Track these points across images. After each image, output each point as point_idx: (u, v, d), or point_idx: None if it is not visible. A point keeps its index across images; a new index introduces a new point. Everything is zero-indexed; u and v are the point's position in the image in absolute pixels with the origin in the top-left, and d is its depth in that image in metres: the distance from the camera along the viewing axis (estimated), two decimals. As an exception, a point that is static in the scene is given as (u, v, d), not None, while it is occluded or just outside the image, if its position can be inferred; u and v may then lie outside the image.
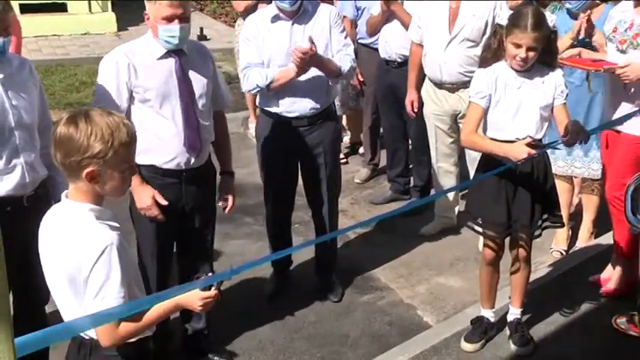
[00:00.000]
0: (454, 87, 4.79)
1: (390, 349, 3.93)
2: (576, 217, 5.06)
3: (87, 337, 2.25)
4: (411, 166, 5.84)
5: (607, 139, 4.20)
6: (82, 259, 2.11)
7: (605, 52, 4.19)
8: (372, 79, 5.80)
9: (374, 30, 5.55)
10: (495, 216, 3.61)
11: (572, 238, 5.00)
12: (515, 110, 3.50)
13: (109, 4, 10.50)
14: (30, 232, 3.07)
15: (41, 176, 3.17)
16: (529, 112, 3.50)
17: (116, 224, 2.21)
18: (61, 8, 10.11)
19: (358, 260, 4.86)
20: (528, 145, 3.30)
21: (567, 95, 3.57)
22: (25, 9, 9.42)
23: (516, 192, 3.59)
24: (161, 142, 3.39)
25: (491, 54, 3.55)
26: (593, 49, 4.30)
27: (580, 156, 4.70)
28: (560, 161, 4.74)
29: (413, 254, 4.96)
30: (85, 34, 10.01)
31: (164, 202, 3.38)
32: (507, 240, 3.75)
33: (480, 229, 3.73)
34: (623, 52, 3.92)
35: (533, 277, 4.56)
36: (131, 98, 3.35)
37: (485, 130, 3.59)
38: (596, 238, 4.95)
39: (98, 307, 2.08)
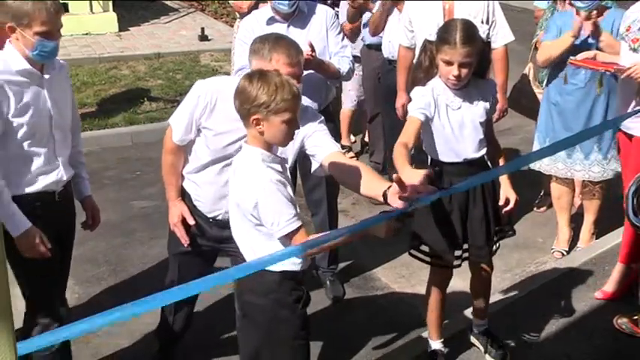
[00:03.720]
0: None
1: (392, 349, 3.94)
2: (578, 218, 5.06)
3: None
4: (413, 166, 5.85)
5: (621, 144, 4.20)
6: (246, 193, 2.61)
7: (615, 54, 4.20)
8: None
9: (376, 29, 5.57)
10: (449, 240, 3.39)
11: (574, 239, 5.00)
12: (458, 131, 3.33)
13: (110, 4, 10.48)
14: (59, 226, 3.20)
15: (70, 174, 3.26)
16: (471, 130, 3.34)
17: (279, 168, 2.66)
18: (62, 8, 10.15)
19: (358, 260, 4.86)
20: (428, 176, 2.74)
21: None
22: (27, 9, 9.42)
23: (468, 212, 3.40)
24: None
25: (424, 72, 3.34)
26: (595, 49, 4.31)
27: (580, 159, 4.68)
28: (560, 164, 4.74)
29: (414, 254, 4.96)
30: (86, 34, 9.99)
31: (192, 222, 3.29)
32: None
33: (427, 259, 3.52)
34: (635, 50, 3.93)
35: (534, 277, 4.58)
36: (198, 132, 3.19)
37: (432, 152, 3.42)
38: (597, 238, 4.96)
39: (278, 232, 2.57)
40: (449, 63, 3.16)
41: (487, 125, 3.44)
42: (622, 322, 3.96)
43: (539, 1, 5.83)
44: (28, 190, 3.07)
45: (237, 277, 2.53)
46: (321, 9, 4.16)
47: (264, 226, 2.61)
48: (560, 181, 4.87)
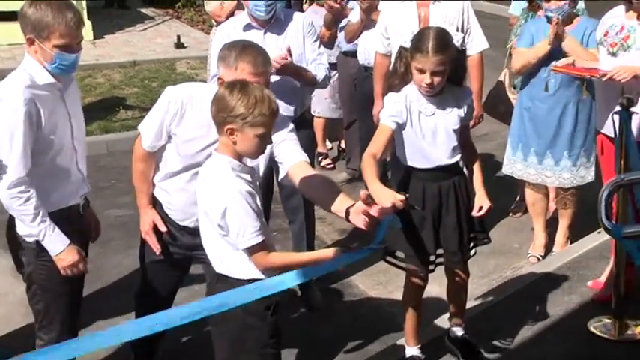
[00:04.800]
0: None
1: (369, 356, 3.93)
2: (553, 223, 5.10)
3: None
4: (389, 173, 5.86)
5: (602, 146, 4.25)
6: (214, 203, 2.60)
7: (580, 58, 4.26)
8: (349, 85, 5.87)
9: (353, 37, 5.58)
10: (423, 247, 3.42)
11: (549, 244, 5.03)
12: (431, 137, 3.34)
13: (85, 11, 10.41)
14: (80, 242, 3.16)
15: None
16: (445, 137, 3.35)
17: (248, 178, 2.65)
18: (37, 16, 10.04)
19: (336, 267, 4.85)
20: (402, 201, 2.81)
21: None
22: (-1, 17, 9.34)
23: (441, 217, 3.42)
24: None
25: (399, 79, 3.36)
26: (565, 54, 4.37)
27: (551, 165, 4.73)
28: (532, 169, 4.79)
29: (391, 261, 4.96)
30: (61, 42, 9.93)
31: (163, 229, 3.28)
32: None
33: (402, 264, 3.53)
34: (613, 55, 4.01)
35: (510, 282, 4.60)
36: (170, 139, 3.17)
37: (404, 158, 3.44)
38: (572, 243, 5.00)
39: (242, 243, 2.58)
40: (421, 71, 3.19)
41: (463, 131, 3.45)
42: (597, 325, 4.00)
43: (515, 4, 5.90)
44: (59, 206, 3.03)
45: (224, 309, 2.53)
46: (298, 16, 4.18)
47: (229, 236, 2.62)
48: (534, 188, 4.91)
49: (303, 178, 2.98)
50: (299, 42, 4.07)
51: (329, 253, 2.73)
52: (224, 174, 2.60)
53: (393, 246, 3.46)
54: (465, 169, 3.53)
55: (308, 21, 4.20)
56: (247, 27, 4.03)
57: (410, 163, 3.42)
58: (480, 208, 3.42)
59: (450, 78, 3.29)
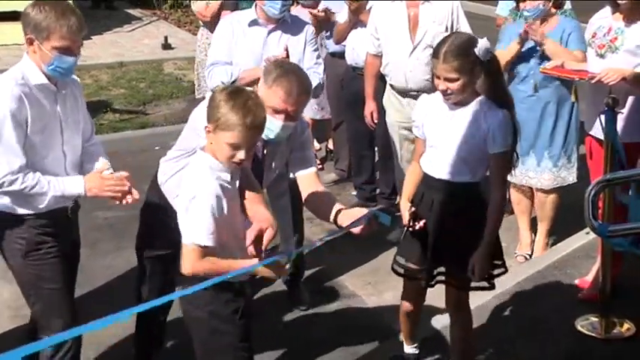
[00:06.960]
0: (419, 94, 4.79)
1: (359, 356, 3.94)
2: (538, 221, 5.12)
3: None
4: (377, 173, 5.87)
5: (591, 149, 4.26)
6: (184, 194, 2.62)
7: (563, 59, 4.29)
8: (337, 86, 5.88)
9: (340, 38, 5.59)
10: (417, 259, 3.37)
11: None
12: (437, 145, 3.25)
13: (72, 12, 10.38)
14: (68, 243, 3.19)
15: None
16: (448, 150, 3.21)
17: (227, 178, 2.64)
18: (23, 17, 9.96)
19: (325, 268, 4.86)
20: (413, 214, 3.23)
21: (509, 143, 3.16)
22: (-15, 18, 9.29)
23: (448, 233, 3.27)
24: None
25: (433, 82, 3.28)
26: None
27: (533, 166, 4.74)
28: (517, 170, 4.79)
29: (379, 261, 4.95)
30: (48, 43, 9.87)
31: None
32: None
33: (401, 270, 3.47)
34: (601, 56, 4.02)
35: (498, 282, 4.60)
36: None
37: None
38: (560, 242, 5.02)
39: (195, 237, 2.54)
40: (437, 77, 3.13)
41: (491, 162, 3.22)
42: (584, 324, 4.02)
43: (502, 5, 5.93)
44: (42, 208, 3.02)
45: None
46: (304, 24, 4.29)
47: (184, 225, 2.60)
48: (517, 186, 4.93)
49: (306, 189, 3.17)
50: (300, 48, 4.15)
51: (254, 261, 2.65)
52: (202, 171, 2.62)
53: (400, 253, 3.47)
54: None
55: (311, 30, 4.31)
56: (252, 23, 4.12)
57: (421, 161, 3.37)
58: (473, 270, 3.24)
59: (488, 93, 3.17)
